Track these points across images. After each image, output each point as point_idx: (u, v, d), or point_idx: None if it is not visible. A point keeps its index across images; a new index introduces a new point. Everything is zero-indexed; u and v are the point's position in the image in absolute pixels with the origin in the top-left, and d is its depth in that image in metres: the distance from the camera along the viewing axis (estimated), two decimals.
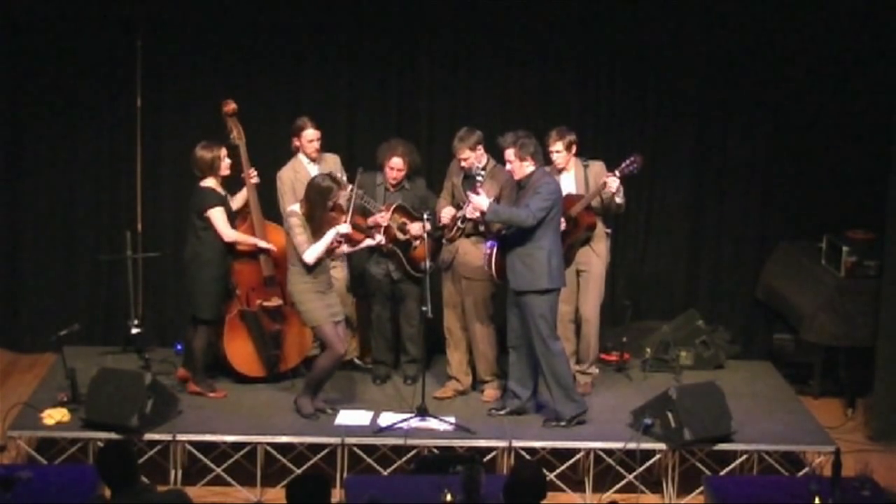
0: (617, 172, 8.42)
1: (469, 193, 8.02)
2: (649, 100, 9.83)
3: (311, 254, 7.87)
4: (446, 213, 8.48)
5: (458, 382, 8.69)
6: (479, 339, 8.57)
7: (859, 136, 9.72)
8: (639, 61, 9.76)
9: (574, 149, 8.52)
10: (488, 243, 8.10)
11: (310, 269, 7.90)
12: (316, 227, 7.88)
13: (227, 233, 8.27)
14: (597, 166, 8.60)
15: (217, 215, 8.22)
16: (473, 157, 8.35)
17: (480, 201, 7.92)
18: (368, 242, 8.25)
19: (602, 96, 9.83)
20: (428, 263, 8.24)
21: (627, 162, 8.45)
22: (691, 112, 9.86)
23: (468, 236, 8.48)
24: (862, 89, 9.67)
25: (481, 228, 8.39)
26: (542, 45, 9.73)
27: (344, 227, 7.95)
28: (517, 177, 8.01)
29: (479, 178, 8.01)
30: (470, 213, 8.24)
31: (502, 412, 8.26)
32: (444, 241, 8.58)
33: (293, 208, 7.96)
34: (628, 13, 9.66)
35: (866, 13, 9.53)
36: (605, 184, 8.42)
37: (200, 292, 8.32)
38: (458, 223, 8.45)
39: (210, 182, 8.26)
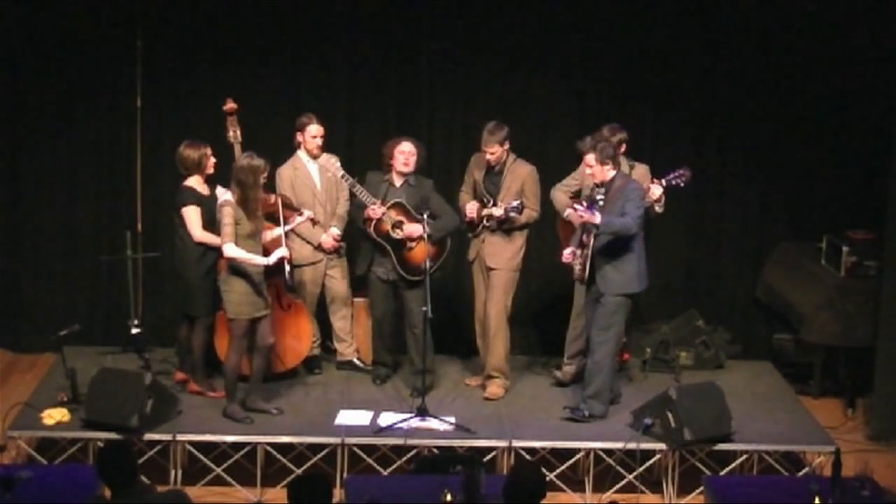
0: (663, 182, 8.41)
1: (581, 209, 7.97)
2: (649, 100, 9.83)
3: (232, 251, 7.79)
4: (471, 208, 8.53)
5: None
6: (493, 330, 8.59)
7: (859, 136, 9.73)
8: (639, 61, 9.75)
9: (624, 147, 8.55)
10: (580, 249, 8.11)
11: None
12: (251, 209, 7.80)
13: (196, 232, 8.20)
14: (641, 169, 8.63)
15: (190, 214, 8.19)
16: (500, 151, 8.42)
17: (595, 217, 7.92)
18: (299, 220, 8.22)
19: (602, 96, 9.83)
20: (428, 263, 8.23)
21: (676, 173, 8.41)
22: (691, 112, 9.86)
23: (493, 232, 8.54)
24: (862, 89, 9.67)
25: (505, 226, 8.51)
26: (542, 46, 9.73)
27: (275, 257, 7.89)
28: (598, 180, 8.07)
29: (599, 200, 7.99)
30: (497, 213, 8.39)
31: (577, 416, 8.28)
32: (469, 235, 8.66)
33: (226, 198, 7.86)
34: (628, 13, 9.66)
35: (866, 13, 9.52)
36: (648, 189, 8.44)
37: (188, 289, 8.31)
38: (485, 221, 8.50)
39: (193, 181, 8.26)
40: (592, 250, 8.06)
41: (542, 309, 9.49)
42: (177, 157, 8.31)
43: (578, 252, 8.12)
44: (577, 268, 8.15)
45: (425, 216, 8.34)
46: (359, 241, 8.83)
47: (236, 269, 7.87)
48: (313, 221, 8.50)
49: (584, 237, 8.09)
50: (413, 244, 8.48)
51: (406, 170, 8.52)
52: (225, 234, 7.79)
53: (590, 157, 8.06)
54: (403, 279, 8.56)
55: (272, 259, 7.93)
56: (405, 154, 8.51)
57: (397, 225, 8.52)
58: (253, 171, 7.80)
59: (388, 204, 8.52)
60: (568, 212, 8.25)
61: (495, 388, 8.65)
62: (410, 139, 8.61)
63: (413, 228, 8.45)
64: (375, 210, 8.48)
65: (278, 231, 8.07)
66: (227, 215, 7.78)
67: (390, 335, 8.91)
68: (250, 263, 7.87)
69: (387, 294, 8.74)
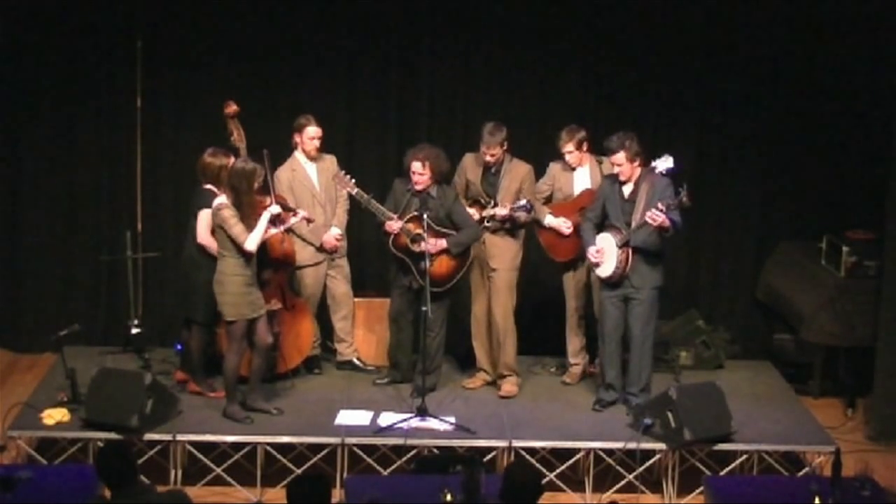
0: (658, 175, 8.40)
1: (659, 215, 7.96)
2: (649, 100, 9.83)
3: (253, 241, 7.76)
4: (471, 213, 8.53)
5: (486, 374, 8.78)
6: (502, 330, 8.61)
7: (859, 136, 9.73)
8: (639, 62, 9.76)
9: (585, 145, 8.62)
10: (620, 249, 8.15)
11: (248, 259, 7.80)
12: (246, 214, 7.76)
13: (202, 235, 8.18)
14: (609, 164, 8.63)
15: (203, 216, 8.18)
16: (500, 153, 8.45)
17: (666, 221, 7.99)
18: (293, 220, 8.21)
19: (602, 97, 9.84)
20: (427, 263, 8.22)
21: (657, 162, 8.40)
22: (691, 112, 9.86)
23: (493, 231, 8.54)
24: (862, 89, 9.67)
25: (507, 226, 8.53)
26: (542, 45, 9.74)
27: (275, 209, 7.92)
28: (626, 177, 8.16)
29: (672, 204, 8.03)
30: (502, 212, 8.44)
31: (604, 407, 8.42)
32: None
33: (221, 201, 7.82)
34: (628, 13, 9.67)
35: (866, 14, 9.52)
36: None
37: (194, 294, 8.30)
38: (485, 222, 8.51)
39: (213, 187, 8.23)
40: (632, 248, 8.16)
41: (538, 309, 9.46)
42: (199, 165, 8.22)
43: (619, 251, 8.15)
44: (616, 268, 8.17)
45: (425, 216, 8.29)
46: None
47: (229, 271, 7.85)
48: (308, 221, 8.48)
49: (629, 237, 8.14)
50: (433, 258, 8.34)
51: (417, 187, 8.40)
52: (238, 232, 7.75)
53: (619, 156, 8.10)
54: (421, 287, 8.39)
55: (272, 209, 7.89)
56: (414, 175, 8.38)
57: (416, 238, 8.40)
58: (247, 175, 7.78)
59: (406, 217, 8.44)
60: (658, 219, 7.97)
61: (510, 386, 8.66)
62: (421, 156, 8.35)
63: (430, 245, 8.29)
64: (392, 225, 8.41)
65: (273, 231, 8.05)
66: (230, 217, 7.75)
67: (410, 341, 8.77)
68: (265, 229, 7.81)
69: (410, 301, 8.58)
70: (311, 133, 8.71)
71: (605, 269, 8.25)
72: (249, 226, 7.79)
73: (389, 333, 8.78)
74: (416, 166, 8.39)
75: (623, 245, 8.16)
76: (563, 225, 8.65)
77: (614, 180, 8.27)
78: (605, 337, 8.41)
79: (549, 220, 8.68)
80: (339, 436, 7.87)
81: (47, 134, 9.72)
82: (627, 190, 8.22)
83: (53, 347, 8.80)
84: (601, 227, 8.31)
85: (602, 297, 8.41)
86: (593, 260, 8.28)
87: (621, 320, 8.34)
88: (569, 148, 8.59)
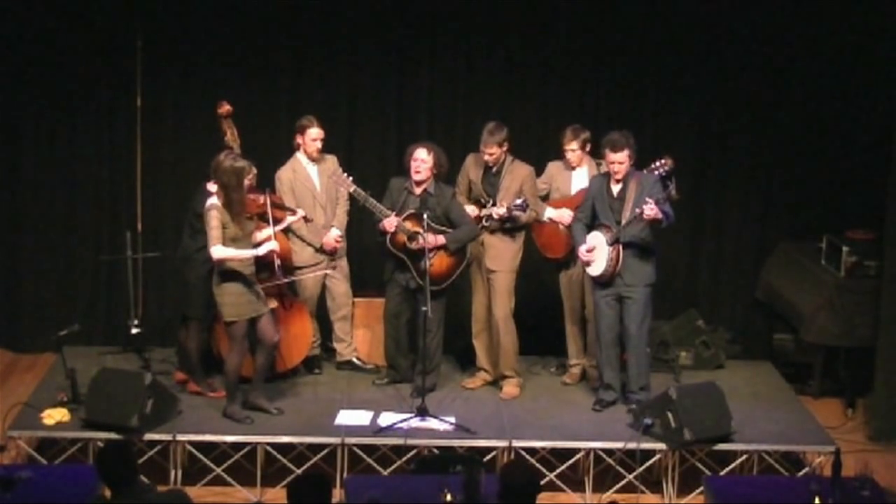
0: (645, 173, 8.41)
1: (647, 208, 7.95)
2: (649, 100, 9.84)
3: (220, 252, 7.72)
4: (470, 210, 8.53)
5: (486, 373, 8.78)
6: (502, 332, 8.61)
7: (859, 136, 9.73)
8: (639, 61, 9.76)
9: (588, 146, 8.63)
10: (611, 247, 8.16)
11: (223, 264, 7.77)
12: (236, 211, 7.72)
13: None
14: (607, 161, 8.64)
15: None
16: (499, 152, 8.44)
17: (659, 214, 8.00)
18: (291, 219, 8.22)
19: (602, 96, 9.84)
20: (427, 263, 8.22)
21: (658, 163, 8.39)
22: (691, 112, 9.86)
23: (492, 232, 8.54)
24: (862, 89, 9.67)
25: (507, 226, 8.53)
26: (542, 46, 9.74)
27: (264, 249, 7.86)
28: (623, 175, 8.18)
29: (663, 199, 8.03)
30: (500, 212, 8.43)
31: (604, 407, 8.42)
32: None
33: (213, 201, 7.78)
34: (628, 13, 9.67)
35: (866, 13, 9.53)
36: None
37: (190, 290, 8.32)
38: (483, 221, 8.50)
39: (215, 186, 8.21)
40: (623, 245, 8.16)
41: (538, 310, 9.46)
42: (214, 163, 8.09)
43: (610, 249, 8.15)
44: (607, 266, 8.18)
45: (424, 215, 8.30)
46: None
47: (226, 273, 7.83)
48: (305, 219, 8.47)
49: (619, 234, 8.14)
50: (431, 256, 8.35)
51: (417, 177, 8.40)
52: (212, 237, 7.74)
53: (624, 154, 8.12)
54: (423, 288, 8.37)
55: (262, 250, 7.88)
56: (417, 161, 8.38)
57: (414, 236, 8.41)
58: (236, 172, 7.74)
59: (404, 215, 8.44)
60: (652, 211, 7.97)
61: (511, 387, 8.67)
62: (427, 145, 8.48)
63: (428, 241, 8.29)
64: (390, 222, 8.41)
65: (268, 231, 8.04)
66: (214, 219, 7.73)
67: (407, 340, 8.80)
68: (240, 259, 7.81)
69: (407, 300, 8.61)
70: (314, 134, 8.71)
71: (597, 268, 8.26)
72: (239, 223, 7.78)
73: (385, 334, 8.78)
74: (422, 153, 8.39)
75: (614, 243, 8.16)
76: (565, 214, 8.62)
77: (603, 179, 8.29)
78: (601, 337, 8.41)
79: (550, 212, 8.67)
80: (339, 436, 7.87)
81: (47, 133, 9.72)
82: (616, 188, 8.23)
83: (53, 347, 8.80)
84: (591, 227, 8.32)
85: (596, 297, 8.41)
86: (584, 258, 8.28)
87: (616, 320, 8.34)
88: (572, 147, 8.59)
